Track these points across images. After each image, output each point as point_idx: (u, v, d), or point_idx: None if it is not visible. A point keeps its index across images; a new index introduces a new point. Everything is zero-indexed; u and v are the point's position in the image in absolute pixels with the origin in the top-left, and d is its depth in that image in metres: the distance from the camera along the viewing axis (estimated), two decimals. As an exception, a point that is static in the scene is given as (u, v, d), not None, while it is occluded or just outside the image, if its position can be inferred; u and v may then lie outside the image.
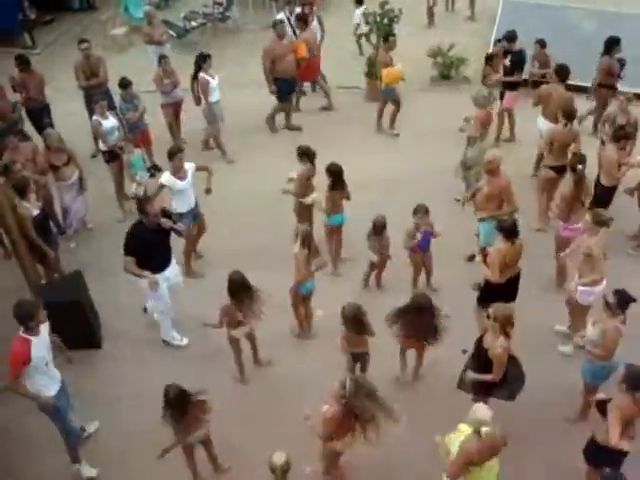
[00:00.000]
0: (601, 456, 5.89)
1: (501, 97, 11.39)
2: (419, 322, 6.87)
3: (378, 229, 8.26)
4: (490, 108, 9.99)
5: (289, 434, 6.49)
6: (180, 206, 8.67)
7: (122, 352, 7.96)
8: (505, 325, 6.15)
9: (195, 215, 8.95)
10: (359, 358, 7.04)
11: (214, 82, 11.04)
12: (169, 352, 8.12)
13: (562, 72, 10.04)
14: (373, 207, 8.82)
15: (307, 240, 7.48)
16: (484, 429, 5.27)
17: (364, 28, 14.00)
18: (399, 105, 11.78)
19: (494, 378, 6.26)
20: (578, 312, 7.60)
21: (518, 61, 11.13)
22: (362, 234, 8.52)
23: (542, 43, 11.55)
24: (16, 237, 8.01)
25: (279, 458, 5.46)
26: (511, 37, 11.11)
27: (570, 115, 9.08)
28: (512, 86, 11.21)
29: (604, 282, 7.28)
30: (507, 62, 11.10)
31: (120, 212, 10.24)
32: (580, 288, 7.37)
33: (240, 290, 7.01)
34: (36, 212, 8.37)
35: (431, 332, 6.92)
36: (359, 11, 14.05)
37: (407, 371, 7.55)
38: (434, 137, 11.75)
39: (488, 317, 6.24)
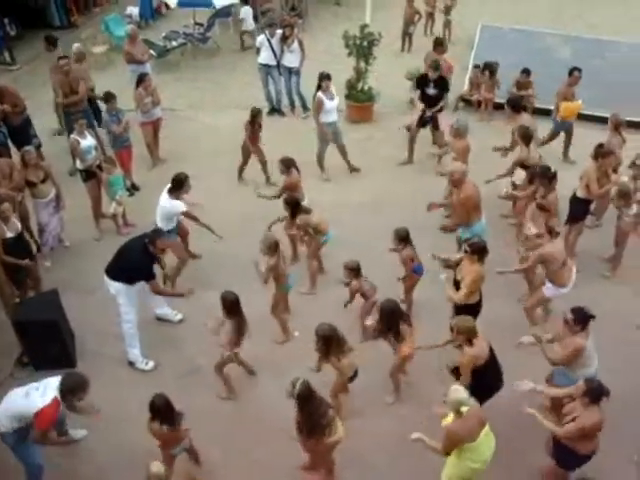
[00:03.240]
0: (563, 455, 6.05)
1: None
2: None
3: (356, 272, 8.00)
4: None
5: (270, 454, 6.57)
6: (165, 225, 8.77)
7: (97, 371, 7.82)
8: (469, 336, 6.30)
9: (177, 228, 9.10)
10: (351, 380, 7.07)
11: (330, 103, 11.01)
12: (146, 372, 8.03)
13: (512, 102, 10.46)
14: (353, 229, 8.82)
15: (276, 247, 7.73)
16: (464, 408, 5.50)
17: (249, 25, 16.26)
18: (571, 136, 11.62)
19: (463, 384, 6.26)
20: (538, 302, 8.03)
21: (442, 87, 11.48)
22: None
23: (527, 72, 12.23)
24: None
25: (155, 466, 5.52)
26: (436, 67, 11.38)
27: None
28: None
29: (570, 284, 7.63)
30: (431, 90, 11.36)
31: (97, 231, 10.17)
32: (548, 285, 7.72)
33: (234, 307, 7.08)
34: (9, 235, 8.25)
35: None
36: (245, 9, 16.68)
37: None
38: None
39: (452, 329, 6.40)
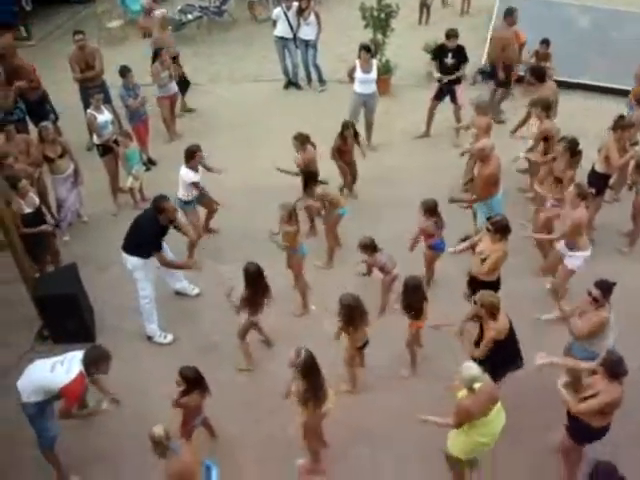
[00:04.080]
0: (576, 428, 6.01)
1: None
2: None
3: (371, 249, 7.96)
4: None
5: (285, 426, 6.66)
6: (186, 195, 8.91)
7: (116, 345, 7.84)
8: (491, 310, 6.29)
9: (199, 201, 9.19)
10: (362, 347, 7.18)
11: (361, 74, 10.93)
12: (164, 345, 8.11)
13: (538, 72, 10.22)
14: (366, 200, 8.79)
15: (294, 215, 7.83)
16: (477, 384, 5.49)
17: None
18: None
19: (479, 356, 6.33)
20: (563, 276, 7.89)
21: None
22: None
23: (547, 42, 11.80)
24: (10, 230, 7.97)
25: (158, 429, 5.56)
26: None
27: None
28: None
29: (590, 248, 7.62)
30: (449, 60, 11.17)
31: (114, 206, 10.24)
32: (569, 253, 7.67)
33: (257, 280, 7.15)
34: (28, 210, 8.32)
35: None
36: None
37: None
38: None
39: (475, 303, 6.42)
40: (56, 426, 6.49)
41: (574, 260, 7.73)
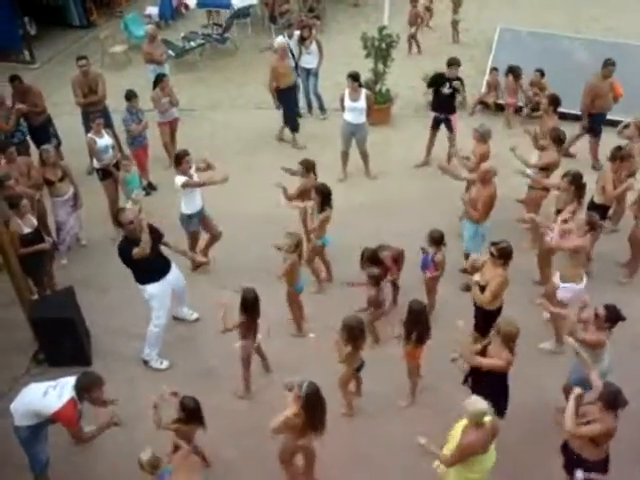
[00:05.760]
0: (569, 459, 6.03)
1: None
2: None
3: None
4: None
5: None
6: (188, 207, 8.96)
7: (112, 370, 7.87)
8: (511, 341, 6.21)
9: (201, 218, 9.17)
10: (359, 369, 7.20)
11: (349, 103, 10.95)
12: (160, 370, 8.09)
13: (555, 101, 10.20)
14: (362, 230, 8.88)
15: (300, 245, 7.94)
16: (487, 418, 5.42)
17: None
18: None
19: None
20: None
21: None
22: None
23: (542, 72, 12.12)
24: (8, 251, 7.97)
25: (145, 454, 5.65)
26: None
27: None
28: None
29: (584, 280, 7.61)
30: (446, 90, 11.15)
31: (114, 230, 10.21)
32: (561, 285, 7.66)
33: (253, 307, 7.18)
34: (27, 230, 8.33)
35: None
36: None
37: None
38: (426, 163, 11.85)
39: (497, 332, 6.27)
40: (46, 451, 6.48)
41: (565, 292, 7.70)
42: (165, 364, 8.18)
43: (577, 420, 5.77)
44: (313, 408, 5.83)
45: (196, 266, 9.22)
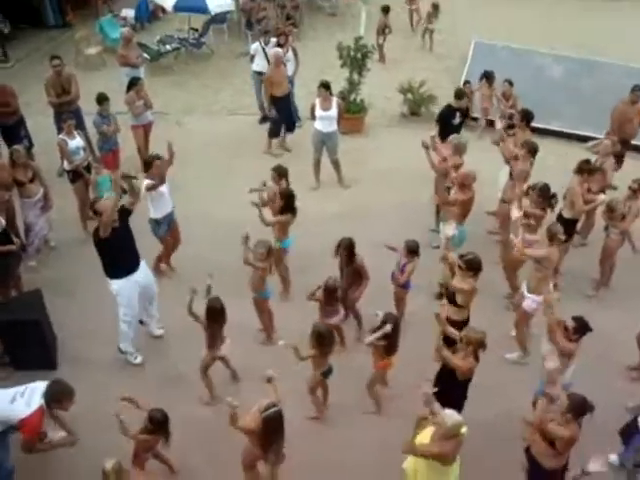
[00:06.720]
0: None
1: None
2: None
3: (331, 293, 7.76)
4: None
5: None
6: (157, 212, 8.89)
7: (78, 374, 7.76)
8: (477, 348, 6.33)
9: (169, 223, 9.12)
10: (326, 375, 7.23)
11: (320, 112, 11.01)
12: (126, 375, 7.99)
13: (527, 116, 10.21)
14: (335, 238, 8.86)
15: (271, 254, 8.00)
16: (463, 429, 5.48)
17: None
18: None
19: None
20: (521, 319, 8.06)
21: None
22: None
23: (510, 82, 12.40)
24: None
25: (109, 463, 5.66)
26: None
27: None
28: None
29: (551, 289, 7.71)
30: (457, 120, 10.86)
31: (83, 232, 10.12)
32: (526, 295, 7.80)
33: (219, 317, 7.16)
34: None
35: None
36: None
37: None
38: (399, 173, 11.89)
39: (461, 340, 6.42)
40: (10, 458, 6.37)
41: (530, 302, 7.81)
42: (139, 359, 8.19)
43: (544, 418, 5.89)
44: (269, 433, 5.84)
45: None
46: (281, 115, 12.38)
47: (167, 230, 9.13)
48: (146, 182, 8.62)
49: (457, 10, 19.23)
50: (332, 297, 7.65)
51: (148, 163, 8.76)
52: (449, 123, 10.73)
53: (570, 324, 6.62)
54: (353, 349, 8.21)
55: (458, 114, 10.80)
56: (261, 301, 8.22)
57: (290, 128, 12.64)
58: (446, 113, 10.89)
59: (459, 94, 10.89)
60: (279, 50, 12.44)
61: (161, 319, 8.62)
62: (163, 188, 8.83)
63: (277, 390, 6.14)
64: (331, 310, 7.77)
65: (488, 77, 13.07)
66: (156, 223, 8.97)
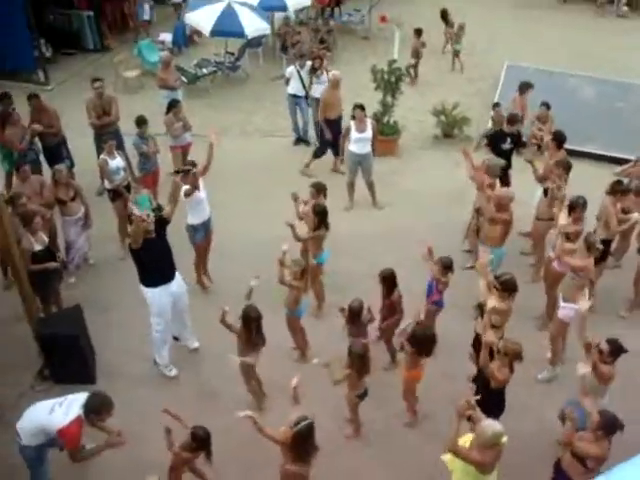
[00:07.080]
0: None
1: None
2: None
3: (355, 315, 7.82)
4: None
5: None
6: (194, 218, 9.10)
7: (116, 389, 7.89)
8: (513, 360, 6.43)
9: (206, 230, 9.33)
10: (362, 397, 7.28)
11: (355, 134, 11.06)
12: (164, 391, 8.12)
13: (559, 137, 10.09)
14: (368, 260, 8.96)
15: (306, 273, 8.12)
16: (504, 439, 5.54)
17: None
18: None
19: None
20: (558, 330, 8.06)
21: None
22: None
23: (547, 105, 12.02)
24: (19, 268, 8.08)
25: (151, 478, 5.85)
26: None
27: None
28: None
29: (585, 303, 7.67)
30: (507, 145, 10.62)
31: (122, 250, 10.33)
32: (562, 304, 7.84)
33: (255, 324, 7.24)
34: (38, 248, 8.44)
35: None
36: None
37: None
38: (432, 195, 11.97)
39: (498, 351, 6.50)
40: (49, 473, 6.51)
41: (566, 311, 7.83)
42: (174, 372, 8.34)
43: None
44: (301, 445, 5.86)
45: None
46: (332, 137, 12.39)
47: (203, 237, 9.31)
48: (185, 188, 8.78)
49: (489, 33, 19.34)
50: (355, 319, 7.68)
51: (187, 170, 8.87)
52: (499, 148, 10.54)
53: (604, 347, 6.55)
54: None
55: (509, 139, 10.57)
56: (293, 319, 8.32)
57: (337, 152, 12.48)
58: (497, 137, 10.71)
59: (512, 120, 10.63)
60: (337, 73, 12.47)
61: (196, 332, 8.75)
62: (201, 194, 9.01)
63: (298, 396, 6.24)
64: (356, 332, 7.76)
65: (520, 87, 12.71)
66: (193, 229, 9.16)
